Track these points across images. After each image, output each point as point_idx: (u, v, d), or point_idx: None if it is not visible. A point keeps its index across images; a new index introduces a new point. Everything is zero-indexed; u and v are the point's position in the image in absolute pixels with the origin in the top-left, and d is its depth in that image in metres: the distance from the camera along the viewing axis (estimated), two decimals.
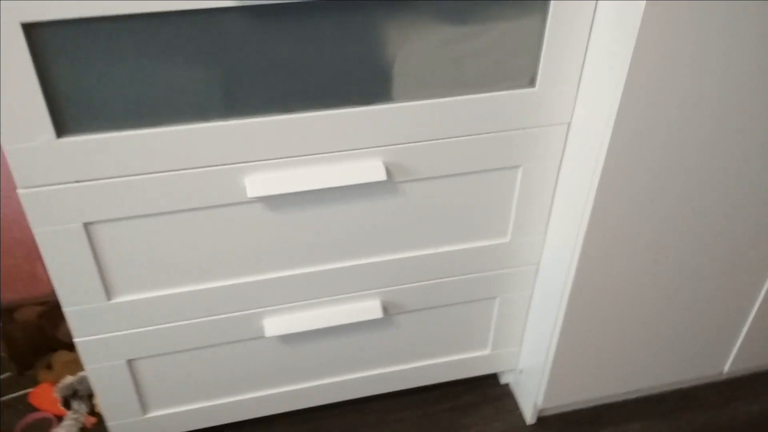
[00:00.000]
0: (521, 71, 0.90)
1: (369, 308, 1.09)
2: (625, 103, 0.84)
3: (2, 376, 1.36)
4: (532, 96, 0.92)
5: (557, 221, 1.05)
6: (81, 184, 0.85)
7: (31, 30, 0.73)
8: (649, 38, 0.79)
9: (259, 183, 0.90)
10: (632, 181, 0.93)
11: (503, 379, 1.37)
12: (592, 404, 1.32)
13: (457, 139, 0.94)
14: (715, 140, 0.92)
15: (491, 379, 1.37)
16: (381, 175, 0.92)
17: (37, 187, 0.84)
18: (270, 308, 1.06)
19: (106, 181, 0.85)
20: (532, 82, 0.92)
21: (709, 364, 1.28)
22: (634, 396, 1.34)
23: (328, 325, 1.08)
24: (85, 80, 0.78)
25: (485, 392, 1.35)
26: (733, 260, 1.09)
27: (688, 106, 0.87)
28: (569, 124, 0.96)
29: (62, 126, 0.80)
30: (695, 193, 0.98)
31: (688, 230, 1.02)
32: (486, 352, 1.26)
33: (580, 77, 0.92)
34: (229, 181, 0.89)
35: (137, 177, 0.86)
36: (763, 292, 1.16)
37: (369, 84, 0.86)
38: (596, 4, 0.86)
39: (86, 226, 0.89)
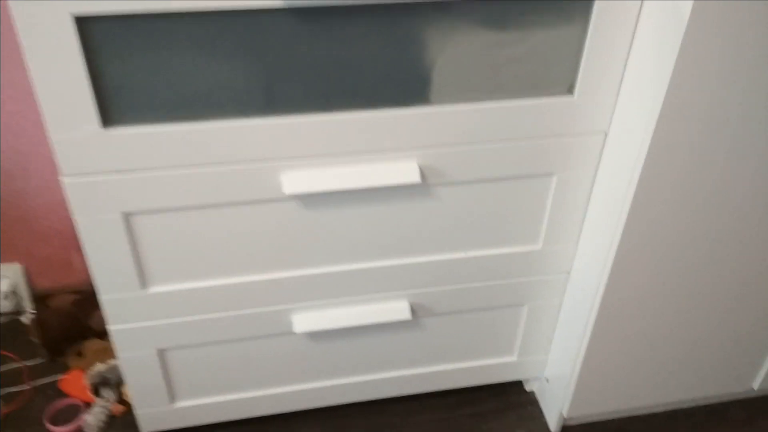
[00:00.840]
0: (560, 79, 0.90)
1: (397, 309, 1.10)
2: (665, 115, 0.84)
3: (35, 362, 1.39)
4: (570, 104, 0.92)
5: (590, 230, 1.05)
6: (123, 174, 0.87)
7: (82, 22, 0.75)
8: (693, 49, 0.79)
9: (296, 180, 0.91)
10: (668, 193, 0.93)
11: (528, 387, 1.36)
12: (618, 416, 1.31)
13: (492, 144, 0.94)
14: (755, 154, 0.91)
15: (516, 386, 1.37)
16: (415, 178, 0.93)
17: (81, 175, 0.86)
18: (300, 305, 1.07)
19: (147, 172, 0.87)
20: (570, 91, 0.92)
21: (738, 381, 1.26)
22: (661, 409, 1.33)
23: (356, 324, 1.09)
24: (132, 73, 0.80)
25: (509, 399, 1.34)
26: (767, 275, 1.08)
27: (729, 118, 0.87)
28: (606, 133, 0.96)
29: (107, 117, 0.82)
30: (731, 207, 0.97)
31: (722, 244, 1.01)
32: (512, 358, 1.26)
33: (620, 87, 0.92)
34: (267, 177, 0.91)
35: (177, 170, 0.88)
36: None
37: (408, 86, 0.87)
38: (639, 13, 0.85)
39: (126, 216, 0.91)
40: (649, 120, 0.86)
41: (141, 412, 1.17)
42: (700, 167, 0.91)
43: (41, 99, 0.79)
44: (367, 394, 1.25)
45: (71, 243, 1.43)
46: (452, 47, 0.85)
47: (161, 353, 1.09)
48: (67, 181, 0.86)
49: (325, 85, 0.85)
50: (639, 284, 1.03)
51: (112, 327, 1.03)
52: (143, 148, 0.85)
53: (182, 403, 1.17)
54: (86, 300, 1.40)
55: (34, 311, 1.44)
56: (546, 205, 1.03)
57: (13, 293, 1.47)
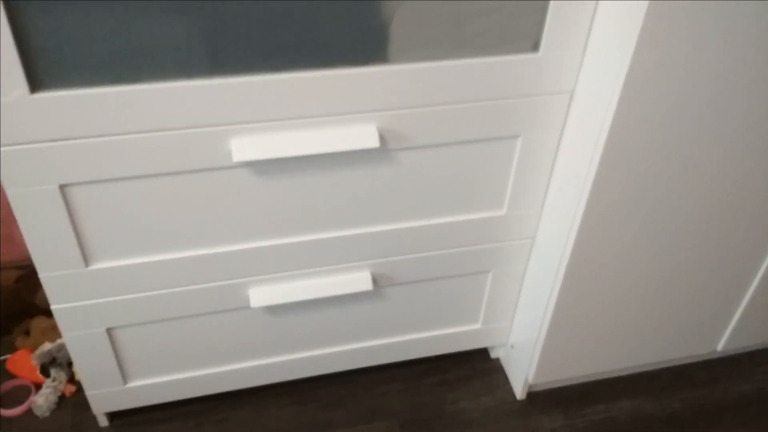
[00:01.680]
0: (524, 35, 0.86)
1: (358, 280, 1.06)
2: (633, 73, 0.80)
3: None
4: (534, 62, 0.88)
5: (555, 195, 1.01)
6: (57, 143, 0.80)
7: None
8: (661, 7, 0.75)
9: (246, 147, 0.85)
10: (635, 154, 0.89)
11: (493, 354, 1.34)
12: (583, 380, 1.30)
13: (454, 105, 0.89)
14: (724, 115, 0.88)
15: (481, 354, 1.35)
16: (374, 142, 0.88)
17: (10, 145, 0.79)
18: (256, 278, 1.02)
19: (83, 140, 0.81)
20: (535, 47, 0.87)
21: (702, 343, 1.26)
22: (626, 373, 1.32)
23: (316, 296, 1.05)
24: (61, 32, 0.73)
25: (475, 367, 1.33)
26: (731, 239, 1.06)
27: (699, 76, 0.83)
28: (572, 92, 0.92)
29: (36, 81, 0.75)
30: (697, 170, 0.94)
31: (687, 208, 0.99)
32: (477, 326, 1.24)
33: (586, 43, 0.88)
34: (214, 143, 0.85)
35: (116, 137, 0.81)
36: (760, 272, 1.14)
37: (364, 44, 0.82)
38: None
39: (62, 188, 0.85)
40: (617, 78, 0.82)
41: (92, 393, 1.12)
42: (668, 128, 0.88)
43: None
44: (330, 367, 1.22)
45: (11, 216, 1.35)
46: (411, 1, 0.79)
47: (110, 332, 1.03)
48: None
49: (275, 42, 0.79)
50: (604, 249, 1.01)
51: (55, 306, 0.97)
52: (77, 114, 0.78)
53: (136, 383, 1.13)
54: (30, 276, 1.34)
55: None
56: (510, 168, 1.00)
57: None
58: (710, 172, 0.95)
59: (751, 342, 1.29)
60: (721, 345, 1.27)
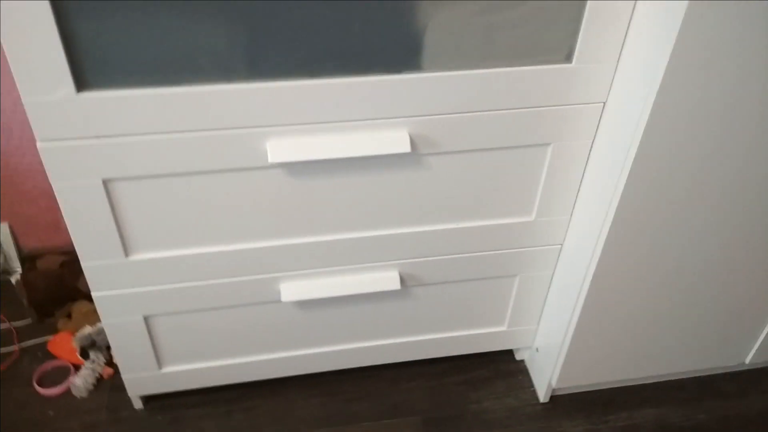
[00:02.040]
0: (558, 46, 0.86)
1: (387, 279, 1.08)
2: (666, 86, 0.81)
3: (22, 323, 1.38)
4: (567, 72, 0.88)
5: (585, 202, 1.02)
6: (101, 140, 0.84)
7: None
8: (697, 16, 0.75)
9: (281, 148, 0.88)
10: (666, 166, 0.90)
11: (518, 356, 1.35)
12: (607, 387, 1.31)
13: (486, 113, 0.91)
14: (757, 130, 0.88)
15: (506, 355, 1.36)
16: (405, 147, 0.90)
17: (57, 140, 0.83)
18: (287, 273, 1.05)
19: (126, 138, 0.84)
20: (568, 58, 0.88)
21: (730, 354, 1.25)
22: (651, 381, 1.32)
23: (344, 293, 1.07)
24: (108, 34, 0.76)
25: (499, 368, 1.34)
26: (761, 250, 1.06)
27: (732, 92, 0.83)
28: (605, 103, 0.93)
29: (83, 80, 0.79)
30: (729, 182, 0.94)
31: (718, 219, 0.99)
32: (502, 328, 1.25)
33: (620, 55, 0.88)
34: (251, 144, 0.88)
35: (157, 136, 0.85)
36: None
37: (398, 52, 0.83)
38: None
39: (105, 182, 0.88)
40: (650, 91, 0.82)
41: (128, 377, 1.16)
42: (699, 141, 0.88)
43: (12, 61, 0.75)
44: (357, 361, 1.25)
45: (57, 204, 1.41)
46: (445, 10, 0.81)
47: (147, 320, 1.07)
48: (42, 147, 0.83)
49: (312, 49, 0.81)
50: (632, 257, 1.01)
51: (96, 294, 1.01)
52: (121, 113, 0.82)
53: (170, 368, 1.17)
54: (74, 261, 1.38)
55: (21, 272, 1.42)
56: (540, 175, 1.00)
57: (0, 253, 1.45)
58: (740, 183, 0.95)
59: None
60: (750, 357, 1.26)
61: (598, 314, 1.09)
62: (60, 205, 0.89)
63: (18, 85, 0.77)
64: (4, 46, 0.74)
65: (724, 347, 1.23)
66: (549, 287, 1.18)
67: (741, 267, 1.07)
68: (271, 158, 0.88)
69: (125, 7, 0.74)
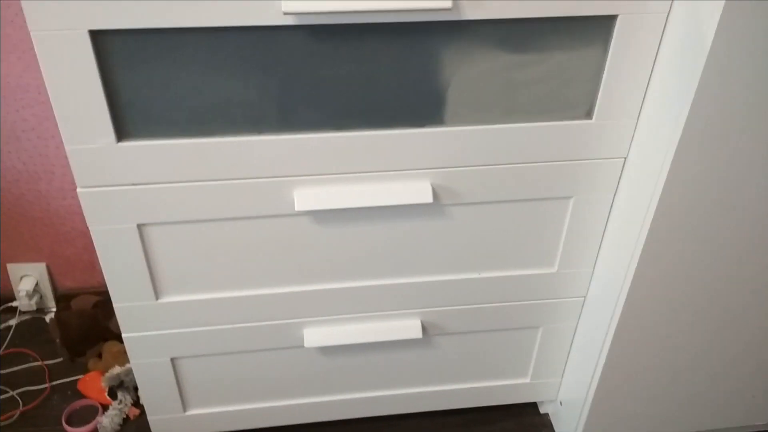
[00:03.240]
0: (578, 102, 0.89)
1: (409, 327, 1.09)
2: (685, 143, 0.82)
3: (54, 362, 1.42)
4: (588, 128, 0.90)
5: (607, 255, 1.03)
6: (137, 187, 0.88)
7: (98, 37, 0.76)
8: (713, 79, 0.77)
9: (308, 197, 0.91)
10: (687, 220, 0.90)
11: (543, 409, 1.34)
12: None
13: (507, 166, 0.93)
14: None
15: (530, 408, 1.35)
16: (428, 198, 0.92)
17: (96, 187, 0.87)
18: (310, 319, 1.07)
19: (161, 185, 0.88)
20: (589, 114, 0.90)
21: (760, 413, 1.22)
22: None
23: (367, 340, 1.09)
24: (146, 88, 0.81)
25: (523, 420, 1.33)
26: None
27: (751, 146, 0.84)
28: (625, 159, 0.94)
29: (122, 130, 0.83)
30: (751, 236, 0.94)
31: (742, 273, 0.99)
32: (526, 380, 1.24)
33: (640, 112, 0.90)
34: (279, 193, 0.91)
35: (190, 183, 0.88)
36: None
37: (422, 106, 0.86)
38: (662, 36, 0.83)
39: (140, 227, 0.92)
40: (669, 146, 0.84)
41: (153, 418, 1.18)
42: (719, 196, 0.88)
43: (57, 112, 0.80)
44: (379, 410, 1.25)
45: (93, 245, 1.45)
46: (468, 67, 0.84)
47: (174, 362, 1.10)
48: (82, 192, 0.87)
49: (338, 103, 0.85)
50: (655, 311, 1.01)
51: (126, 334, 1.04)
52: (157, 162, 0.86)
53: (194, 411, 1.18)
54: (107, 302, 1.41)
55: (55, 311, 1.46)
56: (562, 228, 1.02)
57: (36, 292, 1.50)
58: (762, 234, 0.95)
59: None
60: None
61: (622, 368, 1.09)
62: (96, 248, 0.93)
63: (62, 134, 0.82)
64: (51, 97, 0.79)
65: (753, 405, 1.20)
66: (572, 340, 1.18)
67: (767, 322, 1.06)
68: (298, 206, 0.91)
69: (165, 62, 0.79)
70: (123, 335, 1.04)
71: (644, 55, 0.85)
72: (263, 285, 1.02)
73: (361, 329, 1.08)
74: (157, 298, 1.00)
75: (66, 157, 1.33)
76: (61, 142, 1.31)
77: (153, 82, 0.80)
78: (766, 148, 0.84)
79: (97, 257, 1.46)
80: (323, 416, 1.24)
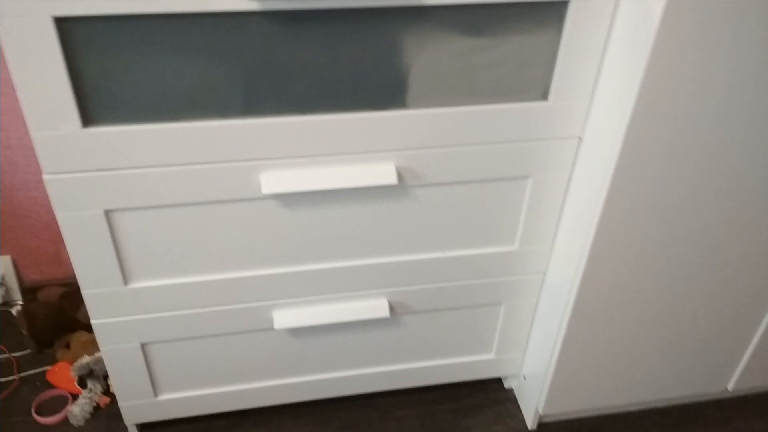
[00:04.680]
0: (534, 84, 0.92)
1: (376, 307, 1.12)
2: (635, 121, 0.86)
3: (22, 353, 1.41)
4: (544, 109, 0.94)
5: (565, 232, 1.07)
6: (103, 172, 0.89)
7: (61, 23, 0.77)
8: (664, 54, 0.81)
9: (274, 180, 0.93)
10: (640, 196, 0.94)
11: (507, 384, 1.38)
12: (593, 414, 1.33)
13: (468, 147, 0.96)
14: (723, 159, 0.93)
15: (495, 383, 1.39)
16: (392, 179, 0.95)
17: (62, 173, 0.88)
18: (280, 301, 1.09)
19: (127, 171, 0.89)
20: (544, 96, 0.93)
21: (713, 381, 1.28)
22: (636, 408, 1.35)
23: (336, 321, 1.11)
24: (112, 74, 0.81)
25: (488, 396, 1.37)
26: (741, 277, 1.10)
27: (697, 123, 0.88)
28: (580, 138, 0.98)
29: (88, 116, 0.84)
30: (703, 209, 0.99)
31: (695, 245, 1.03)
32: (490, 356, 1.28)
33: (593, 93, 0.93)
34: (245, 177, 0.93)
35: (157, 169, 0.90)
36: None
37: (384, 90, 0.89)
38: (612, 19, 0.87)
39: (107, 213, 0.93)
40: (620, 125, 0.88)
41: (125, 405, 1.19)
42: (670, 171, 0.93)
43: (22, 98, 0.80)
44: (348, 390, 1.28)
45: (60, 237, 1.45)
46: (428, 52, 0.87)
47: (144, 347, 1.11)
48: (48, 179, 0.88)
49: (303, 87, 0.87)
50: (612, 285, 1.05)
51: (95, 321, 1.05)
52: (123, 147, 0.87)
53: (166, 396, 1.20)
54: (74, 293, 1.42)
55: (22, 303, 1.46)
56: (522, 206, 1.05)
57: (2, 285, 1.49)
58: (714, 212, 0.99)
59: (762, 383, 1.30)
60: (732, 384, 1.29)
61: (581, 342, 1.13)
62: (63, 235, 0.94)
63: (27, 121, 0.82)
64: (15, 84, 0.79)
65: (706, 374, 1.26)
66: (534, 315, 1.22)
67: (721, 293, 1.11)
68: (265, 190, 0.92)
69: (130, 48, 0.80)
70: (92, 322, 1.05)
71: (596, 38, 0.88)
72: (232, 269, 1.03)
73: (329, 310, 1.10)
74: (125, 284, 1.01)
75: (30, 149, 1.33)
76: (24, 134, 1.31)
77: (118, 68, 0.81)
78: (713, 127, 0.89)
79: (62, 249, 1.46)
80: (294, 397, 1.26)
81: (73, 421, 1.29)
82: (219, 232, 0.98)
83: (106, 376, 1.34)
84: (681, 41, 0.80)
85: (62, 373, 1.35)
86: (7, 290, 1.50)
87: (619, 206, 0.95)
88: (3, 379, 1.36)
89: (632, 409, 1.35)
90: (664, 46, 0.80)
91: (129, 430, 1.27)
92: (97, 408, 1.32)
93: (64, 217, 0.92)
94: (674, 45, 0.80)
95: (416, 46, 0.86)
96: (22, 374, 1.37)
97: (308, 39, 0.83)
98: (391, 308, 1.14)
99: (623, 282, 1.06)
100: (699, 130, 0.89)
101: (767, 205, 1.00)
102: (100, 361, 1.32)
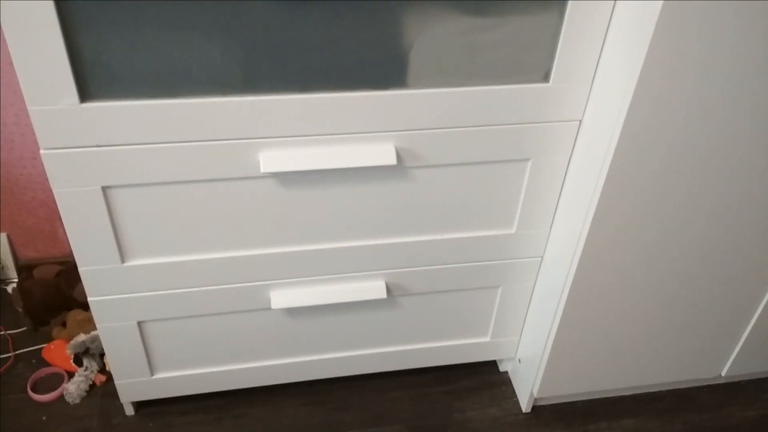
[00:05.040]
0: (536, 66, 0.92)
1: (373, 288, 1.12)
2: (636, 104, 0.86)
3: (18, 331, 1.41)
4: (545, 91, 0.93)
5: (563, 216, 1.07)
6: (101, 148, 0.88)
7: None
8: (664, 40, 0.80)
9: (273, 159, 0.92)
10: (638, 180, 0.94)
11: (502, 367, 1.39)
12: (587, 397, 1.34)
13: (468, 128, 0.95)
14: (723, 144, 0.93)
15: (491, 366, 1.40)
16: (391, 160, 0.94)
17: (59, 149, 0.87)
18: (277, 281, 1.09)
19: (125, 147, 0.88)
20: (546, 78, 0.93)
21: (707, 367, 1.29)
22: (630, 392, 1.36)
23: (333, 301, 1.11)
24: (110, 48, 0.81)
25: (483, 378, 1.37)
26: (736, 263, 1.10)
27: (697, 109, 0.88)
28: (581, 121, 0.98)
29: (86, 91, 0.83)
30: (700, 196, 0.99)
31: (692, 231, 1.04)
32: (486, 339, 1.29)
33: (594, 76, 0.93)
34: (244, 155, 0.92)
35: (155, 145, 0.89)
36: (765, 299, 1.17)
37: (385, 69, 0.88)
38: (614, 4, 0.87)
39: (104, 189, 0.93)
40: (621, 108, 0.87)
41: (121, 383, 1.19)
42: (669, 156, 0.93)
43: (20, 73, 0.79)
44: (344, 370, 1.28)
45: (56, 214, 1.45)
46: (429, 31, 0.86)
47: (141, 325, 1.11)
48: (45, 154, 0.87)
49: (303, 65, 0.86)
50: (609, 269, 1.06)
51: (92, 298, 1.05)
52: (121, 123, 0.86)
53: (161, 375, 1.20)
54: (70, 271, 1.42)
55: (18, 281, 1.45)
56: (520, 189, 1.05)
57: None
58: (712, 198, 0.99)
59: (755, 369, 1.31)
60: (725, 370, 1.30)
61: (577, 326, 1.13)
62: (60, 211, 0.93)
63: (24, 95, 0.81)
64: (13, 58, 0.78)
65: (700, 359, 1.27)
66: (530, 299, 1.22)
67: (716, 280, 1.12)
68: (263, 168, 0.92)
69: (128, 22, 0.79)
70: (89, 299, 1.05)
71: (598, 20, 0.88)
72: (229, 248, 1.03)
73: (326, 291, 1.10)
74: (122, 262, 1.01)
75: (26, 126, 1.32)
76: (21, 110, 1.30)
77: (117, 43, 0.80)
78: (715, 110, 0.89)
79: (58, 226, 1.46)
80: (289, 378, 1.26)
81: (68, 399, 1.29)
82: (217, 210, 0.98)
83: (102, 354, 1.34)
84: (683, 24, 0.79)
85: (58, 351, 1.35)
86: (3, 268, 1.50)
87: (617, 190, 0.95)
88: None
89: (626, 393, 1.36)
90: (666, 29, 0.79)
91: (125, 407, 1.27)
92: (92, 386, 1.32)
93: (61, 193, 0.91)
94: (677, 27, 0.80)
95: (418, 25, 0.85)
96: (18, 352, 1.37)
97: (309, 16, 0.82)
98: (388, 290, 1.14)
99: (620, 266, 1.06)
100: (700, 113, 0.89)
101: (765, 194, 1.00)
102: (96, 339, 1.32)
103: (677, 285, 1.11)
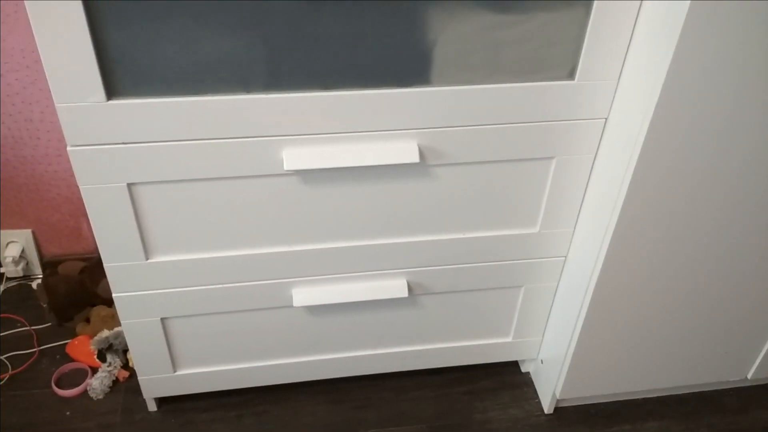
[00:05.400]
0: (561, 63, 0.91)
1: (395, 287, 1.11)
2: (663, 103, 0.85)
3: (42, 327, 1.43)
4: (570, 89, 0.93)
5: (587, 215, 1.06)
6: (127, 145, 0.89)
7: None
8: (692, 38, 0.79)
9: (296, 157, 0.92)
10: (665, 179, 0.93)
11: (524, 368, 1.38)
12: (611, 399, 1.33)
13: (491, 126, 0.95)
14: (753, 141, 0.91)
15: (512, 367, 1.39)
16: (414, 157, 0.94)
17: (86, 146, 0.88)
18: (299, 279, 1.09)
19: (150, 144, 0.89)
20: (571, 75, 0.92)
21: (732, 369, 1.27)
22: (653, 395, 1.34)
23: (354, 299, 1.11)
24: (137, 47, 0.81)
25: (504, 379, 1.36)
26: (765, 265, 1.08)
27: (726, 107, 0.87)
28: (606, 119, 0.97)
29: (112, 89, 0.84)
30: (729, 195, 0.97)
31: (719, 232, 1.02)
32: (508, 339, 1.28)
33: (621, 74, 0.92)
34: (268, 152, 0.92)
35: (180, 143, 0.89)
36: None
37: (409, 66, 0.88)
38: (640, 4, 0.86)
39: (130, 186, 0.93)
40: (648, 107, 0.86)
41: (144, 378, 1.20)
42: (697, 155, 0.91)
43: (48, 70, 0.80)
44: (365, 369, 1.28)
45: (80, 210, 1.46)
46: (453, 28, 0.85)
47: (164, 321, 1.11)
48: (72, 150, 0.88)
49: (326, 62, 0.86)
50: (634, 270, 1.04)
51: (117, 294, 1.05)
52: (147, 121, 0.87)
53: (184, 371, 1.20)
54: (94, 267, 1.43)
55: (42, 277, 1.47)
56: (544, 188, 1.04)
57: (23, 258, 1.50)
58: (740, 196, 0.98)
59: None
60: (752, 373, 1.28)
61: (601, 327, 1.12)
62: (86, 208, 0.94)
63: (52, 92, 0.82)
64: (42, 56, 0.79)
65: (726, 362, 1.25)
66: (553, 299, 1.21)
67: (742, 281, 1.10)
68: (287, 166, 0.92)
69: (154, 20, 0.79)
70: (114, 295, 1.05)
71: (625, 16, 0.87)
72: (252, 245, 1.03)
73: (348, 289, 1.10)
74: (147, 258, 1.02)
75: (51, 122, 1.33)
76: (47, 107, 1.31)
77: (143, 40, 0.81)
78: (743, 110, 0.87)
79: (83, 223, 1.47)
80: (310, 376, 1.27)
81: (92, 394, 1.30)
82: (240, 207, 0.98)
83: (125, 350, 1.36)
84: (711, 23, 0.78)
85: (82, 347, 1.36)
86: (28, 264, 1.52)
87: (643, 189, 0.94)
88: (23, 352, 1.38)
89: (650, 395, 1.34)
90: (695, 25, 0.78)
91: (147, 403, 1.28)
92: (116, 381, 1.33)
93: (87, 190, 0.92)
94: (704, 26, 0.78)
95: (442, 22, 0.85)
96: (42, 347, 1.39)
97: (333, 13, 0.82)
98: (410, 288, 1.13)
99: (645, 267, 1.05)
100: (729, 111, 0.87)
101: None
102: (119, 335, 1.33)
103: (704, 285, 1.10)
